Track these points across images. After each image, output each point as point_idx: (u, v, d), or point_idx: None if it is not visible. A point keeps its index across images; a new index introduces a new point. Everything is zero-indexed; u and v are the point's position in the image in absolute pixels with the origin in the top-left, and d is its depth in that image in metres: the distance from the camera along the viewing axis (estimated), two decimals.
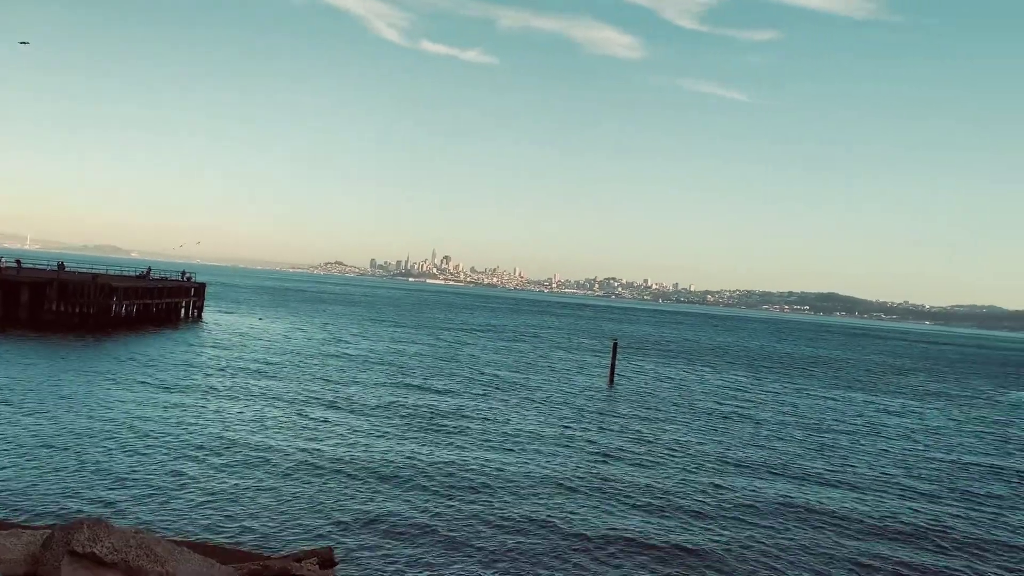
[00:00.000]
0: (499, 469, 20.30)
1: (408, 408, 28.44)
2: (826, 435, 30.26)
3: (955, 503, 20.89)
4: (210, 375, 32.52)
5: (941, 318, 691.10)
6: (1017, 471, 26.32)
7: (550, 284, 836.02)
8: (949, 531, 18.09)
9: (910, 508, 19.87)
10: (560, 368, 48.11)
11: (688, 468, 22.31)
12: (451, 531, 15.17)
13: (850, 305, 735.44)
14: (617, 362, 46.15)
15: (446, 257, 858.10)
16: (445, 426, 25.63)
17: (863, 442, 29.38)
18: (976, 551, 16.80)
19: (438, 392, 33.21)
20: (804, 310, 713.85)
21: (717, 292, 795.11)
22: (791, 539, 16.42)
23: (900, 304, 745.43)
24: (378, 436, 23.18)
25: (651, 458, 23.24)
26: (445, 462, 20.56)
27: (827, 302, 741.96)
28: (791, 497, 19.88)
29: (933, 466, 25.83)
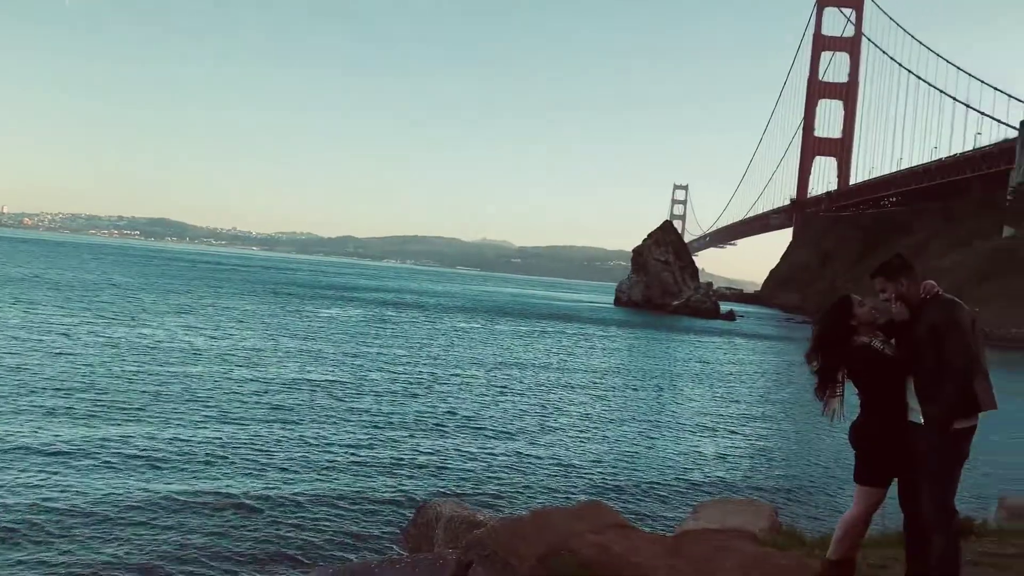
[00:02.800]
0: None
1: None
2: (141, 368, 26.39)
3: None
4: None
5: (267, 244, 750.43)
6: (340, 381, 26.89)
7: None
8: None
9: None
10: None
11: None
12: None
13: (181, 231, 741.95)
14: None
15: None
16: None
17: (185, 369, 26.49)
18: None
19: None
20: (135, 235, 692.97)
21: (36, 215, 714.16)
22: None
23: (229, 231, 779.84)
24: None
25: None
26: None
27: (158, 227, 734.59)
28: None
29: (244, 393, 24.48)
